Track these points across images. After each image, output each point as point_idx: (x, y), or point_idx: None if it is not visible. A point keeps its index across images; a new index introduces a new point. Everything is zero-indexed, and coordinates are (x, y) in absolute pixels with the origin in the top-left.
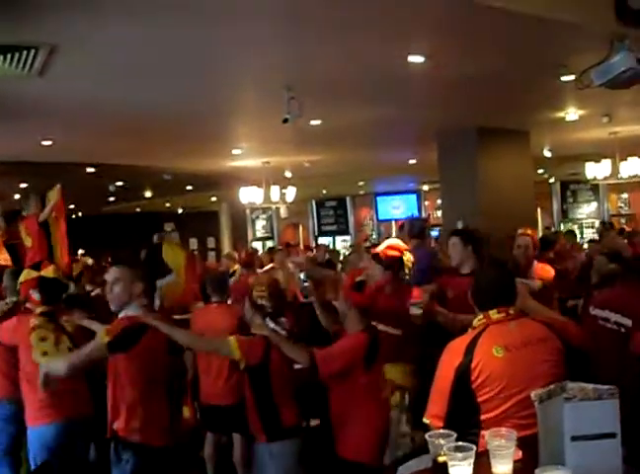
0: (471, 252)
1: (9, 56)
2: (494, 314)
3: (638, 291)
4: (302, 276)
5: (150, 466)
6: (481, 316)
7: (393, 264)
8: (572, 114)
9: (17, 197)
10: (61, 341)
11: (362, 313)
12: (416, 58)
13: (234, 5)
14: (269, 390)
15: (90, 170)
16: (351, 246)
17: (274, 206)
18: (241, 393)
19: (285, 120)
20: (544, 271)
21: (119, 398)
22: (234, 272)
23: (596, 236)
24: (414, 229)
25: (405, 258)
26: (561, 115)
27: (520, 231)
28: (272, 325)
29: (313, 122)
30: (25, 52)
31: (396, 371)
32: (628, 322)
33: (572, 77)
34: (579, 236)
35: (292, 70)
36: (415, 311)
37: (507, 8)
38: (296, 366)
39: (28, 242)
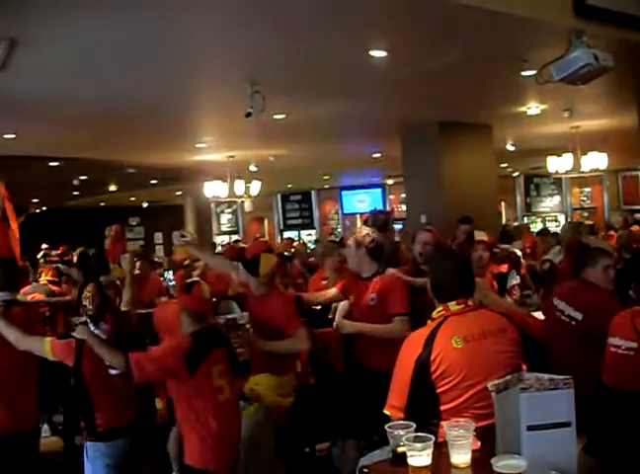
0: (364, 254)
1: None
2: (453, 306)
3: (593, 285)
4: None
5: None
6: (440, 308)
7: (252, 264)
8: (534, 108)
9: None
10: None
11: (194, 316)
12: (377, 53)
13: None
14: (85, 392)
15: (53, 164)
16: (316, 241)
17: (238, 200)
18: None
19: (248, 115)
20: None
21: None
22: (187, 263)
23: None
24: (377, 222)
25: (263, 257)
26: (523, 109)
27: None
28: (92, 328)
29: (277, 117)
30: None
31: (262, 384)
32: (579, 316)
33: (533, 72)
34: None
35: (255, 64)
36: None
37: (466, 3)
38: (113, 372)
39: None
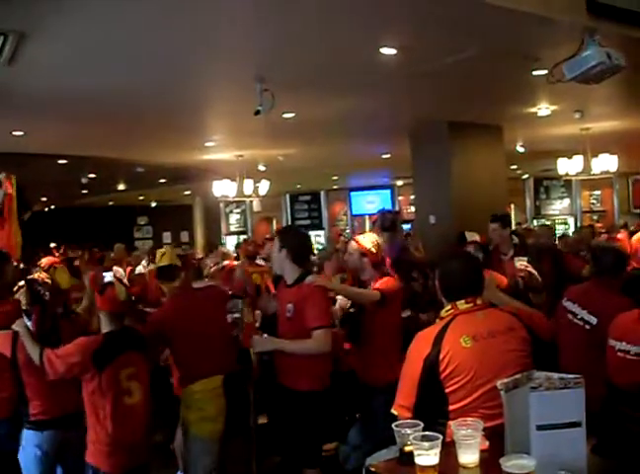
0: (286, 258)
1: None
2: (461, 304)
3: (608, 290)
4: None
5: None
6: (449, 307)
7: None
8: (544, 109)
9: None
10: None
11: (110, 316)
12: (387, 51)
13: None
14: (21, 382)
15: (62, 161)
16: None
17: (247, 200)
18: None
19: (257, 112)
20: (388, 283)
21: None
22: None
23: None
24: (385, 222)
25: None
26: (533, 110)
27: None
28: (25, 320)
29: (286, 115)
30: None
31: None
32: (593, 320)
33: (544, 71)
34: None
35: (264, 62)
36: None
37: (477, 0)
38: None
39: None
